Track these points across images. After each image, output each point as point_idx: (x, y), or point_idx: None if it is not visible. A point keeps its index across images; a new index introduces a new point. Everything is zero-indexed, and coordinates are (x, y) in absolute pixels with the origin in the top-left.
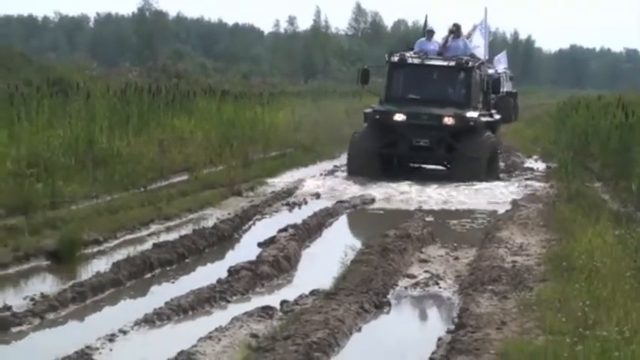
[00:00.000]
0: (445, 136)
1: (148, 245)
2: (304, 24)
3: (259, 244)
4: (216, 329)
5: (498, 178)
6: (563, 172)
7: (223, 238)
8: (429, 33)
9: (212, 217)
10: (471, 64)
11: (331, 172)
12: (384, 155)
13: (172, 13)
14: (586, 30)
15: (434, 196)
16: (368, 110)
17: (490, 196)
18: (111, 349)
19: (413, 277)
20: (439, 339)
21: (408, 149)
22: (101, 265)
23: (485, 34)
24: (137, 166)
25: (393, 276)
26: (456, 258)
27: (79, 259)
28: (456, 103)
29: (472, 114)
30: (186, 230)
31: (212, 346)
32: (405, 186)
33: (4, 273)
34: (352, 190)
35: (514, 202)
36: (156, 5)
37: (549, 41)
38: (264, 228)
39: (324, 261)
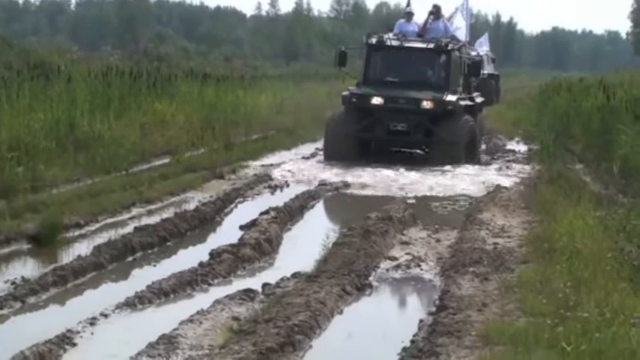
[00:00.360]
0: (423, 120)
1: (129, 229)
2: (286, 7)
3: (241, 227)
4: (197, 312)
5: (479, 162)
6: (545, 154)
7: (205, 221)
8: (409, 14)
9: (194, 200)
10: (450, 46)
11: (312, 155)
12: (361, 139)
13: None
14: (568, 12)
15: (411, 181)
16: (345, 93)
17: (468, 181)
18: (92, 333)
19: (394, 259)
20: (420, 321)
21: (385, 133)
22: (82, 249)
23: (466, 16)
24: (119, 150)
25: (374, 258)
26: (438, 240)
27: (60, 242)
28: (434, 86)
29: (451, 97)
30: (167, 213)
31: (194, 329)
32: (383, 170)
33: None
34: (326, 175)
35: (494, 186)
36: None
37: (531, 23)
38: (246, 211)
39: (306, 243)
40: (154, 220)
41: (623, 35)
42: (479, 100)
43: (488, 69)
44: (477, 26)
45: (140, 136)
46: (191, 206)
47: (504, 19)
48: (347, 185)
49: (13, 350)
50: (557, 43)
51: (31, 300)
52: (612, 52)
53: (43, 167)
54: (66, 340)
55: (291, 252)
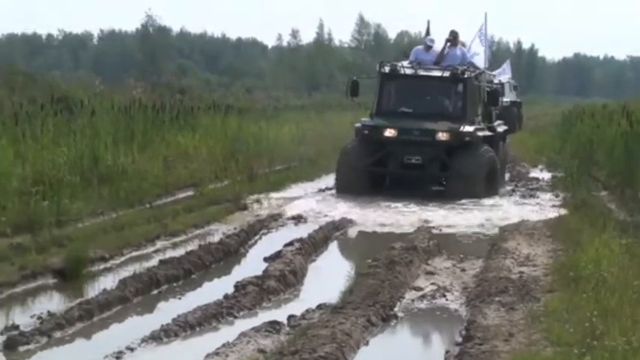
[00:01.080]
0: (439, 153)
1: (154, 262)
2: (307, 37)
3: (265, 259)
4: (223, 345)
5: (498, 194)
6: (569, 182)
7: (229, 253)
8: (428, 46)
9: (218, 232)
10: (467, 74)
11: (329, 188)
12: (374, 173)
13: (176, 29)
14: (590, 38)
15: (422, 218)
16: (357, 125)
17: (480, 218)
18: None
19: (420, 289)
20: (447, 352)
21: (399, 167)
22: (108, 283)
23: (484, 41)
24: (142, 183)
25: (399, 289)
26: (463, 269)
27: (85, 276)
28: (451, 116)
29: (468, 128)
30: (192, 246)
31: None
32: (399, 206)
33: (11, 292)
34: (338, 212)
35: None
36: (159, 21)
37: (553, 50)
38: (270, 242)
39: (331, 275)
40: (178, 252)
41: None
42: (501, 129)
43: (510, 96)
44: (499, 53)
45: (163, 169)
46: (215, 238)
47: (526, 46)
48: (351, 223)
49: None
50: (579, 70)
51: (58, 334)
52: (635, 77)
53: (68, 201)
54: None
55: (316, 283)
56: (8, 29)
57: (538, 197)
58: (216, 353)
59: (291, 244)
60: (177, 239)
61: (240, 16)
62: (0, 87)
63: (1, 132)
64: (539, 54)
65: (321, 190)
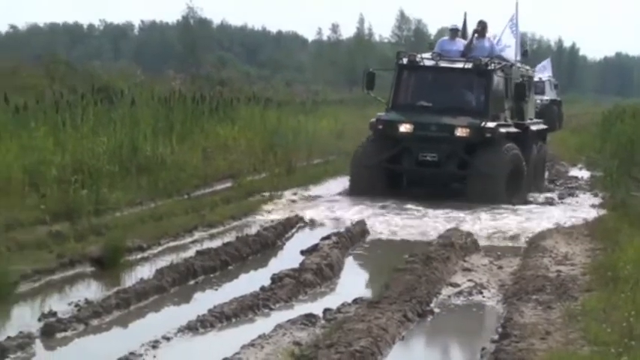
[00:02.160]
0: (457, 150)
1: (191, 252)
2: (347, 32)
3: (302, 252)
4: (259, 337)
5: (525, 201)
6: (608, 181)
7: (266, 245)
8: (453, 32)
9: (255, 224)
10: (491, 66)
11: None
12: (389, 171)
13: (216, 21)
14: (632, 38)
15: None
16: (372, 120)
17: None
18: (154, 356)
19: (456, 285)
20: (483, 349)
21: (413, 164)
22: (145, 272)
23: (516, 32)
24: (181, 174)
25: (436, 284)
26: (500, 267)
27: (123, 265)
28: (472, 111)
29: (490, 124)
30: (229, 237)
31: (255, 354)
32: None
33: (49, 279)
34: (355, 217)
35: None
36: (200, 13)
37: (594, 49)
38: (307, 236)
39: (368, 269)
40: (215, 244)
41: None
42: (535, 127)
43: (550, 95)
44: (540, 51)
45: (202, 160)
46: (252, 230)
47: (567, 44)
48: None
49: None
50: (620, 69)
51: (95, 322)
52: None
53: (107, 190)
54: None
55: (353, 277)
56: (50, 19)
57: (577, 196)
58: (252, 344)
59: (328, 237)
60: (214, 230)
61: (281, 9)
62: (41, 76)
63: (42, 121)
64: (581, 53)
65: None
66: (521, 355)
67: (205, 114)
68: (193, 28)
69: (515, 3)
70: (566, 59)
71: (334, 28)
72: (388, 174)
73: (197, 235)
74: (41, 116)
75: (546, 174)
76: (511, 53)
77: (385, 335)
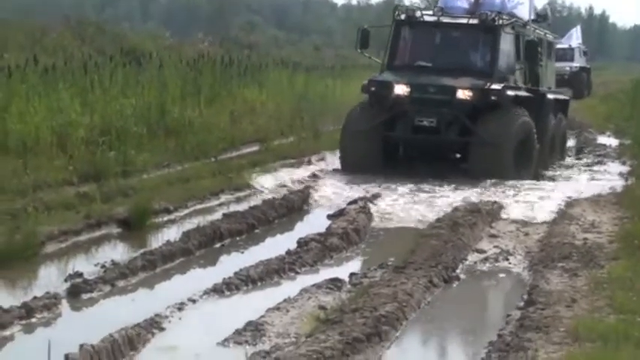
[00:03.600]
0: (458, 115)
1: (217, 215)
2: None
3: (328, 216)
4: (284, 300)
5: (536, 176)
6: (637, 149)
7: (293, 209)
8: None
9: (282, 188)
10: (499, 22)
11: None
12: (383, 139)
13: None
14: None
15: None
16: (365, 81)
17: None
18: (180, 318)
19: (483, 252)
20: (508, 315)
21: (408, 131)
22: (171, 234)
23: None
24: (208, 137)
25: (462, 250)
26: (526, 234)
27: (149, 227)
28: (477, 72)
29: (496, 85)
30: (255, 201)
31: (280, 317)
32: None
33: (76, 239)
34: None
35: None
36: None
37: (624, 17)
38: (334, 199)
39: (394, 234)
40: (242, 207)
41: None
42: (553, 96)
43: (579, 62)
44: (570, 19)
45: (230, 124)
46: (279, 194)
47: (597, 11)
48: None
49: (103, 333)
50: None
51: (121, 284)
52: None
53: (134, 152)
54: (154, 324)
55: (379, 242)
56: None
57: (606, 164)
58: (277, 308)
59: (354, 202)
60: (241, 194)
61: None
62: (70, 37)
63: (71, 82)
64: (610, 20)
65: None
66: (546, 322)
67: (233, 77)
68: None
69: None
70: (597, 27)
71: None
72: (382, 142)
73: (224, 198)
74: (69, 78)
75: (571, 142)
76: (524, 11)
77: (410, 300)
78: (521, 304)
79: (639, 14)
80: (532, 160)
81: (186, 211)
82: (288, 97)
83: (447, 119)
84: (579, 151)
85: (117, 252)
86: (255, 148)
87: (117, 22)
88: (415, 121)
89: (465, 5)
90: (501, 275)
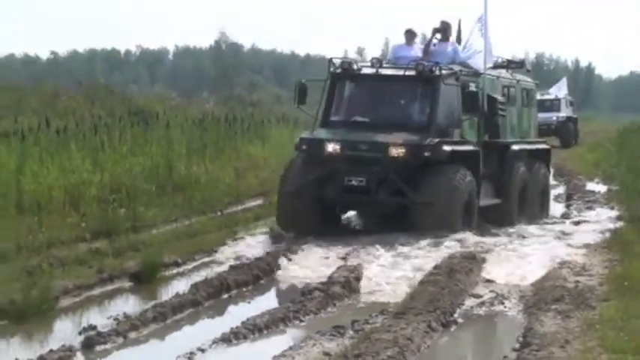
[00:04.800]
0: (389, 174)
1: (224, 267)
2: (373, 54)
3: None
4: (290, 347)
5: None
6: (624, 195)
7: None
8: (409, 34)
9: (286, 239)
10: (440, 71)
11: None
12: (319, 199)
13: (247, 46)
14: None
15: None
16: (297, 139)
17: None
18: None
19: (478, 296)
20: (504, 357)
21: (338, 191)
22: (180, 286)
23: (485, 35)
24: (214, 191)
25: (459, 296)
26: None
27: (159, 280)
28: (415, 127)
29: (431, 141)
30: (261, 252)
31: None
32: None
33: (89, 294)
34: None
35: None
36: (232, 38)
37: (610, 68)
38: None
39: (393, 282)
40: (247, 259)
41: None
42: (525, 146)
43: (566, 112)
44: (557, 71)
45: (234, 179)
46: (283, 246)
47: (583, 64)
48: None
49: None
50: (635, 87)
51: (133, 335)
52: None
53: (143, 209)
54: None
55: (379, 290)
56: (89, 45)
57: (595, 210)
58: (283, 355)
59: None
60: (245, 246)
61: (308, 33)
62: (81, 100)
63: (82, 143)
64: (596, 72)
65: None
66: None
67: (237, 134)
68: (225, 53)
69: (484, 1)
70: (583, 78)
71: (360, 51)
72: (318, 202)
73: (230, 250)
74: (80, 138)
75: (561, 190)
76: (480, 61)
77: (411, 345)
78: (517, 346)
79: (623, 65)
80: (473, 219)
81: (194, 264)
82: (289, 151)
83: (378, 178)
84: (569, 197)
85: (129, 305)
86: (259, 201)
87: (125, 84)
88: (345, 180)
89: (417, 54)
90: (497, 319)
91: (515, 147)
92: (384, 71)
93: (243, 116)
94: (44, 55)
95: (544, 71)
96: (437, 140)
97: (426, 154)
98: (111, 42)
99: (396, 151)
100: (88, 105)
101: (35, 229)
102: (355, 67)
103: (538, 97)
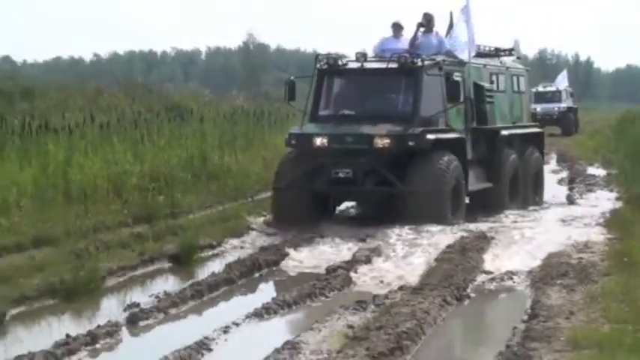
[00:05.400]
0: (376, 164)
1: (255, 249)
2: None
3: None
4: (316, 321)
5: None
6: (623, 178)
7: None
8: (396, 27)
9: None
10: (421, 62)
11: None
12: (312, 193)
13: (273, 46)
14: None
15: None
16: (286, 135)
17: None
18: (225, 340)
19: (489, 273)
20: (514, 328)
21: (326, 183)
22: (215, 266)
23: (469, 24)
24: (245, 180)
25: (471, 272)
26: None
27: (196, 261)
28: (399, 117)
29: (415, 130)
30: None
31: (313, 336)
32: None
33: (132, 274)
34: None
35: None
36: (258, 39)
37: (607, 62)
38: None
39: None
40: (277, 240)
41: None
42: (515, 130)
43: (567, 102)
44: (558, 65)
45: (263, 168)
46: (309, 230)
47: (583, 58)
48: None
49: (158, 355)
50: (631, 79)
51: (172, 311)
52: None
53: (180, 196)
54: (203, 345)
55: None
56: (129, 47)
57: (595, 192)
58: (311, 328)
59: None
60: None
61: (330, 33)
62: (122, 97)
63: (123, 136)
64: (595, 65)
65: None
66: (548, 332)
67: (265, 127)
68: (253, 53)
69: None
70: (583, 71)
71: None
72: (309, 195)
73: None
74: (122, 132)
75: (564, 174)
76: (465, 51)
77: (427, 317)
78: (526, 317)
79: (621, 58)
80: (462, 203)
81: (227, 246)
82: None
83: (364, 169)
84: (572, 181)
85: (168, 284)
86: None
87: (161, 83)
88: (332, 172)
89: (405, 46)
90: (507, 293)
91: (504, 132)
92: (368, 65)
93: (270, 111)
94: (87, 57)
95: (547, 65)
96: (420, 129)
97: (410, 143)
98: (148, 44)
99: (381, 142)
100: (128, 102)
101: (82, 216)
102: (340, 62)
103: (540, 89)
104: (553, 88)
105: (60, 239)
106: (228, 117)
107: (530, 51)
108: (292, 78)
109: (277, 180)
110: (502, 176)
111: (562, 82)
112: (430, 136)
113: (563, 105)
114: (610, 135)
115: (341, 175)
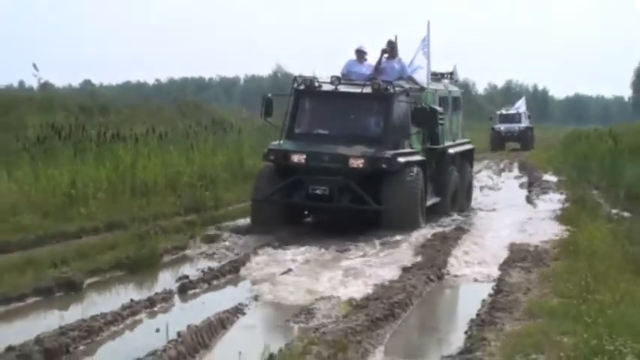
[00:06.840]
0: (350, 183)
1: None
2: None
3: None
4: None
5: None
6: (570, 183)
7: None
8: (359, 53)
9: None
10: (392, 90)
11: None
12: (287, 205)
13: (296, 74)
14: (586, 81)
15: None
16: (265, 150)
17: None
18: (256, 306)
19: (465, 256)
20: (483, 300)
21: (303, 198)
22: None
23: (428, 53)
24: None
25: (449, 256)
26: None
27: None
28: (371, 139)
29: (387, 153)
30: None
31: (325, 304)
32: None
33: (183, 253)
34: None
35: None
36: (285, 68)
37: (559, 90)
38: None
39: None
40: None
41: (626, 99)
42: (456, 149)
43: (525, 123)
44: (521, 93)
45: None
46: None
47: (540, 87)
48: None
49: (203, 317)
50: (578, 105)
51: (214, 282)
52: (618, 111)
53: (222, 192)
54: (238, 310)
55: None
56: (183, 74)
57: (549, 194)
58: (322, 298)
59: None
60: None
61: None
62: (176, 113)
63: (177, 144)
64: (550, 93)
65: None
66: (510, 304)
67: None
68: (280, 80)
69: (427, 23)
70: (540, 98)
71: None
72: (286, 208)
73: None
74: (176, 141)
75: (522, 183)
76: (423, 75)
77: (415, 291)
78: (492, 292)
79: (570, 88)
80: (424, 217)
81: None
82: None
83: (339, 187)
84: (530, 185)
85: (212, 261)
86: None
87: (208, 101)
88: (309, 189)
89: (367, 71)
90: (478, 274)
91: (450, 151)
92: (342, 88)
93: None
94: (150, 81)
95: (512, 93)
96: (392, 152)
97: (383, 165)
98: (198, 71)
99: (355, 162)
100: (181, 117)
101: (144, 206)
102: (316, 84)
103: (503, 111)
104: (514, 111)
105: (127, 224)
106: (260, 130)
107: (499, 81)
108: (269, 95)
109: (255, 192)
110: (448, 190)
111: (521, 106)
112: (401, 159)
113: (523, 125)
114: (560, 149)
115: (318, 192)
